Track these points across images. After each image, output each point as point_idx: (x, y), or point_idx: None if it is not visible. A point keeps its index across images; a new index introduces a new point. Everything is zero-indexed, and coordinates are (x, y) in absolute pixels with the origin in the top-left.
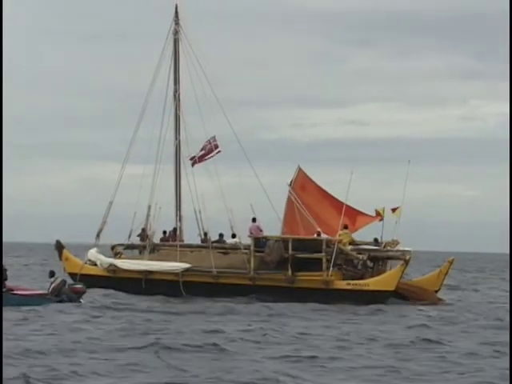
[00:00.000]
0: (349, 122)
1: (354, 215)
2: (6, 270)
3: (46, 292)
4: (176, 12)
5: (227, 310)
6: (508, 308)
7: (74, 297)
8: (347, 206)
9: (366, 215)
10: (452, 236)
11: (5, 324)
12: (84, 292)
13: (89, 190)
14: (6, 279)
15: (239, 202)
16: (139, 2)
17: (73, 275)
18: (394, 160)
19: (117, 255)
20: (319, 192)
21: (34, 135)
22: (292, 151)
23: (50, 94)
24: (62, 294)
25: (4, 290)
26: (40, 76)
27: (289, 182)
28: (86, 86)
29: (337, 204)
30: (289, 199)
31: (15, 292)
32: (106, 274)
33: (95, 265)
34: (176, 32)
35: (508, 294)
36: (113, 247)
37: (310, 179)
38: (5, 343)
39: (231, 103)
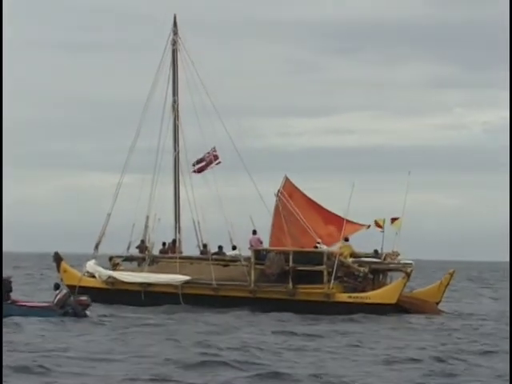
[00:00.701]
0: (330, 131)
1: (341, 223)
2: (10, 281)
3: (50, 304)
4: (174, 22)
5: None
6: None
7: (79, 309)
8: (334, 214)
9: (354, 223)
10: (435, 244)
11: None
12: (89, 305)
13: (68, 200)
14: (10, 291)
15: (237, 213)
16: (122, 13)
17: (71, 287)
18: (378, 169)
19: (115, 267)
20: (306, 201)
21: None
22: (275, 160)
23: (29, 103)
24: (66, 306)
25: (9, 302)
26: (20, 86)
27: (276, 191)
28: (66, 96)
29: (323, 213)
30: (276, 208)
31: (20, 303)
32: (104, 286)
33: (93, 277)
34: (174, 42)
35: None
36: (111, 259)
37: (297, 188)
38: None
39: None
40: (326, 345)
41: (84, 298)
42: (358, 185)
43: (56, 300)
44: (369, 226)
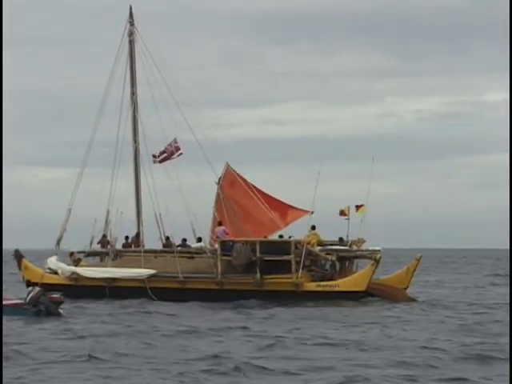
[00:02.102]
0: (266, 121)
1: (284, 210)
2: None
3: (22, 302)
4: (131, 13)
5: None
6: None
7: (53, 307)
8: (278, 200)
9: (297, 209)
10: (374, 233)
11: None
12: (62, 301)
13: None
14: None
15: (198, 205)
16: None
17: (33, 285)
18: (314, 158)
19: (75, 262)
20: (248, 188)
21: None
22: (213, 151)
23: None
24: (39, 304)
25: None
26: None
27: (217, 179)
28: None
29: (266, 199)
30: (217, 197)
31: None
32: (67, 282)
33: (56, 273)
34: (131, 33)
35: None
36: (71, 254)
37: (239, 175)
38: None
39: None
40: None
41: (56, 294)
42: (295, 175)
43: (29, 298)
44: (312, 212)
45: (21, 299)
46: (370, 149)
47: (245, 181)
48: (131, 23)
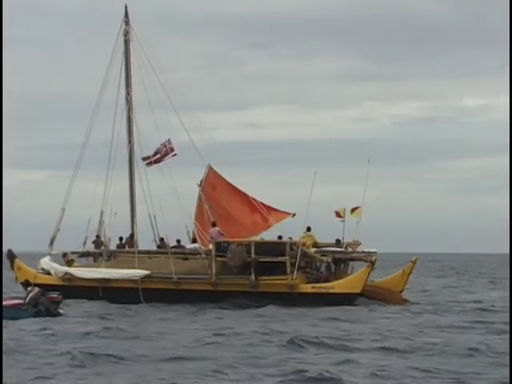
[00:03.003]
0: (246, 124)
1: (267, 212)
2: None
3: (22, 302)
4: (126, 13)
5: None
6: None
7: (52, 307)
8: (260, 202)
9: (279, 211)
10: (355, 236)
11: None
12: (61, 301)
13: None
14: None
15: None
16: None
17: (25, 285)
18: (292, 162)
19: (69, 263)
20: (231, 190)
21: None
22: (187, 155)
23: None
24: (39, 305)
25: None
26: None
27: (199, 181)
28: None
29: (249, 201)
30: (199, 198)
31: None
32: (60, 282)
33: (49, 274)
34: (126, 33)
35: None
36: (64, 255)
37: (221, 177)
38: None
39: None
40: None
41: (54, 294)
42: (271, 177)
43: (28, 298)
44: (294, 215)
45: (15, 298)
46: (349, 152)
47: (227, 183)
48: (126, 23)
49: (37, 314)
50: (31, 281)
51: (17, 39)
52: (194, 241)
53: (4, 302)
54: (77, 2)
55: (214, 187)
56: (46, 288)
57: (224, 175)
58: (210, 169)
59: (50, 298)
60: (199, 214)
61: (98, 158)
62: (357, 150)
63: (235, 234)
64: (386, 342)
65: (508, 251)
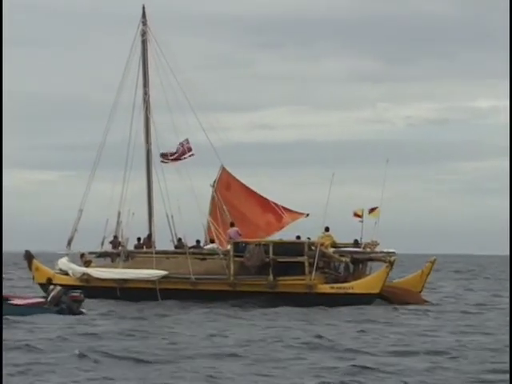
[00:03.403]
0: (254, 126)
1: (280, 212)
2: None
3: (44, 301)
4: (143, 13)
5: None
6: None
7: (75, 306)
8: (273, 202)
9: (292, 212)
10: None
11: None
12: (83, 300)
13: None
14: None
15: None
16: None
17: (43, 285)
18: (303, 163)
19: (86, 263)
20: (244, 190)
21: None
22: (204, 155)
23: None
24: (61, 303)
25: None
26: None
27: (212, 182)
28: None
29: (262, 202)
30: (212, 200)
31: (13, 302)
32: (78, 283)
33: (66, 274)
34: (144, 33)
35: None
36: (82, 255)
37: (235, 178)
38: None
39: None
40: None
41: (76, 293)
42: (282, 178)
43: (50, 297)
44: (307, 215)
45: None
46: (360, 154)
47: (240, 183)
48: (144, 23)
49: (59, 313)
50: (37, 280)
51: (29, 40)
52: (212, 241)
53: (27, 301)
54: (90, 2)
55: (227, 188)
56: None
57: (236, 175)
58: (223, 169)
59: (72, 296)
60: (212, 215)
61: (115, 158)
62: (369, 151)
63: (249, 235)
64: None
65: None
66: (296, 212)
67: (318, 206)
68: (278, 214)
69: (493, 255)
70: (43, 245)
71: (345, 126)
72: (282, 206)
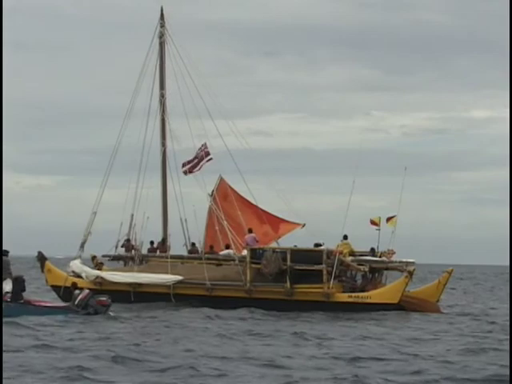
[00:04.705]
0: (254, 132)
1: (276, 223)
2: (24, 280)
3: (69, 305)
4: (162, 14)
5: None
6: None
7: (102, 310)
8: (269, 213)
9: (289, 222)
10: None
11: None
12: (110, 305)
13: None
14: (23, 290)
15: None
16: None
17: (56, 288)
18: (300, 172)
19: (97, 266)
20: (241, 201)
21: None
22: (225, 160)
23: None
24: (88, 307)
25: (21, 301)
26: None
27: (210, 192)
28: None
29: (259, 212)
30: (210, 209)
31: (39, 304)
32: (91, 286)
33: (79, 277)
34: (162, 35)
35: None
36: (93, 258)
37: (232, 188)
38: None
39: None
40: None
41: (103, 297)
42: (278, 186)
43: (78, 300)
44: (304, 225)
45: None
46: (356, 163)
47: (237, 194)
48: (162, 25)
49: (86, 316)
50: (49, 283)
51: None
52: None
53: (53, 304)
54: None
55: (224, 198)
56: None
57: (230, 182)
58: (221, 179)
59: (99, 301)
60: (209, 225)
61: (129, 162)
62: (366, 160)
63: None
64: None
65: None
66: (292, 222)
67: (312, 215)
68: (274, 224)
69: (487, 265)
70: (36, 249)
71: (340, 135)
72: (279, 217)
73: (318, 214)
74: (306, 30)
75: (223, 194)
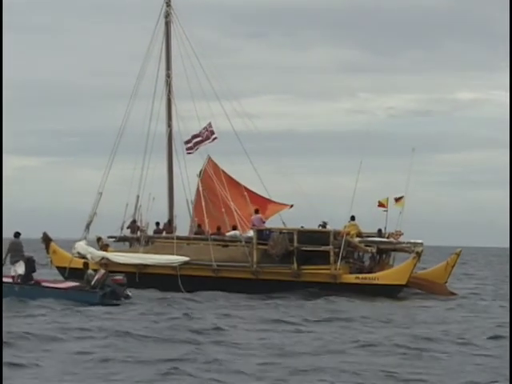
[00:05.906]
0: (239, 114)
1: (264, 203)
2: (34, 261)
3: (81, 284)
4: None
5: None
6: None
7: (120, 289)
8: (257, 194)
9: (277, 203)
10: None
11: None
12: (125, 284)
13: None
14: (34, 271)
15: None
16: None
17: (61, 269)
18: (287, 153)
19: (103, 248)
20: (229, 181)
21: None
22: (231, 140)
23: None
24: (105, 287)
25: (31, 282)
26: None
27: (198, 172)
28: None
29: (247, 193)
30: (197, 189)
31: (53, 285)
32: (97, 267)
33: (85, 258)
34: (167, 14)
35: None
36: (99, 239)
37: (220, 169)
38: None
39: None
40: None
41: (119, 276)
42: (263, 167)
43: (94, 280)
44: (291, 206)
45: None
46: (342, 144)
47: (225, 174)
48: (168, 4)
49: (104, 296)
50: (54, 264)
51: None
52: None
53: (67, 285)
54: None
55: (212, 178)
56: (81, 272)
57: (221, 164)
58: (210, 160)
59: (116, 280)
60: (197, 206)
61: (134, 143)
62: (353, 142)
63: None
64: None
65: None
66: (280, 203)
67: (301, 196)
68: (262, 205)
69: (480, 247)
70: (28, 231)
71: (327, 117)
72: (266, 198)
73: (305, 196)
74: (294, 10)
75: (211, 175)
